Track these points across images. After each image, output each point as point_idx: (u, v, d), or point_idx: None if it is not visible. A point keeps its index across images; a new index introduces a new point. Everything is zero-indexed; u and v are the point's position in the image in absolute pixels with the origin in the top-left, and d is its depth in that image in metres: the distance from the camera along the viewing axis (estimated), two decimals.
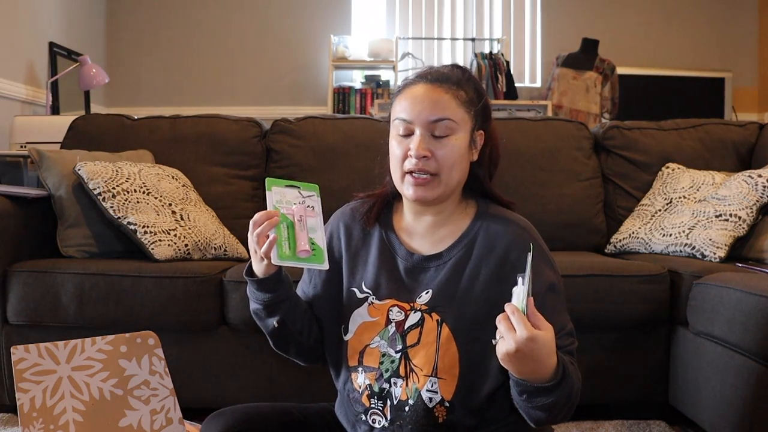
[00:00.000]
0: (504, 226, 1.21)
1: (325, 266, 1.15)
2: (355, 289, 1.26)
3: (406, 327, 1.19)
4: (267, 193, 1.17)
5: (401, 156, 1.20)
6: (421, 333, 1.18)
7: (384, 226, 1.30)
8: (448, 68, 1.24)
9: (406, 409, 1.18)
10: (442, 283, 1.20)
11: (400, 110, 1.21)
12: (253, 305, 1.26)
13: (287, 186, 1.18)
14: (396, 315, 1.21)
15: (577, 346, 1.19)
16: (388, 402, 1.20)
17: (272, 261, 1.13)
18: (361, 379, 1.23)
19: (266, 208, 1.16)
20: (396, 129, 1.22)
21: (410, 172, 1.19)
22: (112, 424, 1.16)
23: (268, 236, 1.13)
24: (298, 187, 1.18)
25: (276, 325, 1.24)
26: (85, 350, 1.18)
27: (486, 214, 1.25)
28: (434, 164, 1.18)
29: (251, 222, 1.14)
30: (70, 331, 1.96)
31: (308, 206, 1.17)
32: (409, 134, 1.20)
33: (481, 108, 1.23)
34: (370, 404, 1.22)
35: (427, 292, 1.21)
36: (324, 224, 1.23)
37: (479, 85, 1.26)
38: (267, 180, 1.18)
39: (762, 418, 1.58)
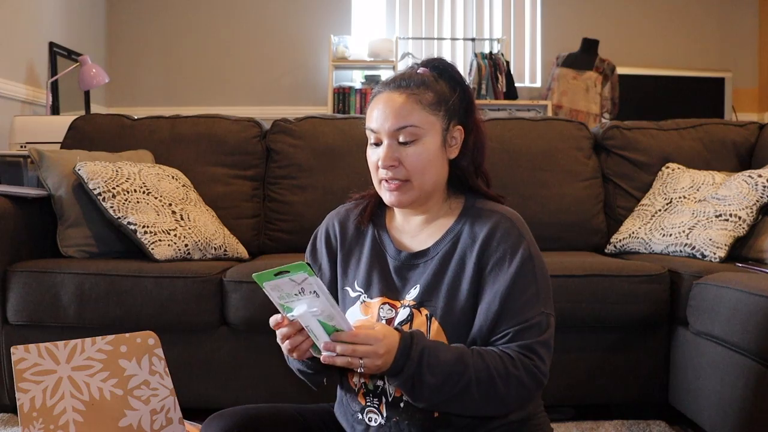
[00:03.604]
0: (487, 217, 1.21)
1: None
2: (348, 288, 1.28)
3: (396, 323, 1.19)
4: (263, 290, 1.05)
5: (375, 165, 1.23)
6: (411, 328, 1.19)
7: (377, 225, 1.31)
8: (413, 71, 1.24)
9: (401, 405, 1.19)
10: (429, 278, 1.21)
11: (369, 120, 1.23)
12: (298, 365, 1.25)
13: (276, 276, 1.03)
14: (386, 312, 1.21)
15: (545, 340, 1.14)
16: (383, 399, 1.20)
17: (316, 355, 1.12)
18: (356, 378, 1.23)
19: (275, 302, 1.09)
20: (368, 138, 1.24)
21: (383, 180, 1.21)
22: (112, 424, 1.16)
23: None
24: (288, 272, 1.02)
25: (325, 383, 1.27)
26: (85, 350, 1.18)
27: (472, 209, 1.25)
28: (403, 171, 1.19)
29: (280, 335, 1.10)
30: (70, 331, 1.96)
31: (310, 293, 1.03)
32: (378, 143, 1.22)
33: (456, 102, 1.22)
34: (366, 402, 1.22)
35: (414, 288, 1.22)
36: (318, 241, 1.30)
37: (455, 78, 1.24)
38: (255, 277, 1.04)
39: (762, 418, 1.58)
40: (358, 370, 1.05)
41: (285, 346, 1.11)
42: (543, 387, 1.14)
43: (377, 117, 1.21)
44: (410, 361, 1.07)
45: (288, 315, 1.07)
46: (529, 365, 1.12)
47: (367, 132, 1.24)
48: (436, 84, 1.22)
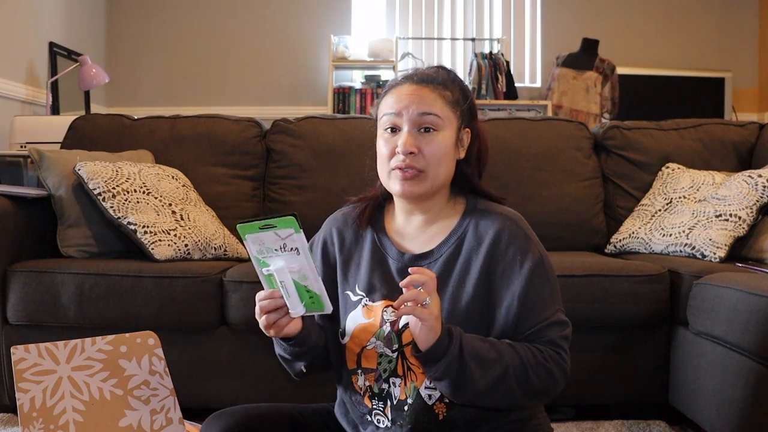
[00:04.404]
0: (491, 219, 1.22)
1: (328, 310, 1.10)
2: (349, 293, 1.27)
3: (400, 326, 1.19)
4: (244, 242, 1.06)
5: (388, 154, 1.22)
6: None
7: (376, 228, 1.31)
8: (433, 69, 1.27)
9: (406, 408, 1.19)
10: None
11: (387, 106, 1.23)
12: (279, 350, 1.26)
13: (261, 228, 1.03)
14: (390, 315, 1.21)
15: (566, 335, 1.18)
16: (389, 402, 1.20)
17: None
18: (361, 381, 1.23)
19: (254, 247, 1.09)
20: (383, 126, 1.24)
21: (397, 168, 1.21)
22: (112, 424, 1.16)
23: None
24: (275, 226, 1.02)
25: (303, 370, 1.26)
26: (85, 350, 1.18)
27: (475, 210, 1.26)
28: (422, 160, 1.20)
29: (258, 306, 1.12)
30: (70, 331, 1.96)
31: (291, 250, 1.04)
32: (395, 130, 1.21)
33: (467, 108, 1.26)
34: (372, 405, 1.22)
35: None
36: (317, 237, 1.30)
37: (464, 85, 1.28)
38: (239, 227, 1.05)
39: (762, 418, 1.58)
40: (425, 302, 1.05)
41: (261, 322, 1.12)
42: (567, 379, 1.16)
43: (400, 101, 1.21)
44: (453, 340, 1.08)
45: (263, 270, 1.08)
46: (557, 358, 1.14)
47: (383, 119, 1.23)
48: (452, 86, 1.25)
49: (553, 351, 1.15)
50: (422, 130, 1.20)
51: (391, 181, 1.23)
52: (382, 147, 1.23)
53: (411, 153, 1.19)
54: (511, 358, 1.11)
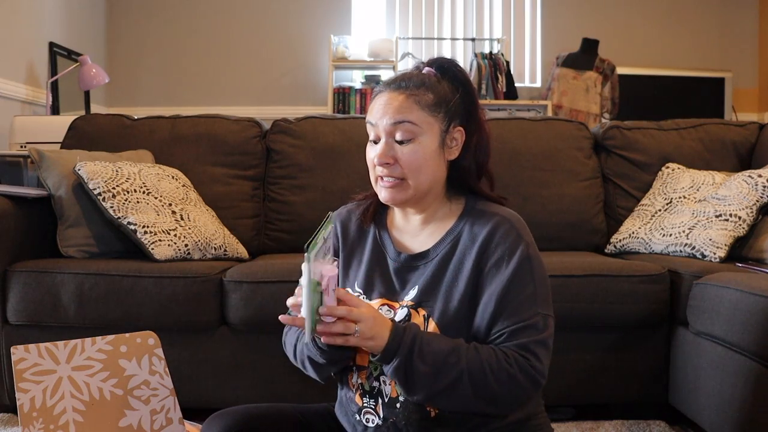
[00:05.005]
0: (487, 219, 1.21)
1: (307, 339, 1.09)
2: (348, 289, 1.28)
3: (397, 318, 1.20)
4: (306, 264, 1.00)
5: (372, 161, 1.24)
6: None
7: (378, 225, 1.32)
8: (414, 71, 1.25)
9: (398, 405, 1.19)
10: (428, 279, 1.21)
11: (369, 115, 1.25)
12: (312, 354, 1.21)
13: (317, 240, 1.01)
14: (385, 313, 1.21)
15: (542, 339, 1.13)
16: (380, 400, 1.21)
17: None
18: (354, 378, 1.24)
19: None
20: (369, 134, 1.25)
21: (379, 177, 1.23)
22: (112, 424, 1.16)
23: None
24: (323, 230, 1.03)
25: (333, 375, 1.26)
26: (85, 350, 1.18)
27: (473, 210, 1.25)
28: (399, 170, 1.20)
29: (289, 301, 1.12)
30: (70, 331, 1.96)
31: (327, 256, 1.06)
32: (376, 140, 1.23)
33: (458, 103, 1.23)
34: (363, 403, 1.23)
35: (413, 289, 1.22)
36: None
37: (460, 78, 1.25)
38: (306, 247, 1.01)
39: (762, 418, 1.58)
40: (354, 333, 1.05)
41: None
42: (540, 387, 1.13)
43: (376, 113, 1.22)
44: (403, 344, 1.09)
45: (301, 281, 1.07)
46: (524, 364, 1.11)
47: (368, 127, 1.25)
48: (438, 85, 1.22)
49: (520, 356, 1.11)
50: (397, 139, 1.20)
51: (377, 188, 1.25)
52: (368, 153, 1.25)
53: (387, 164, 1.20)
54: (469, 361, 1.09)
